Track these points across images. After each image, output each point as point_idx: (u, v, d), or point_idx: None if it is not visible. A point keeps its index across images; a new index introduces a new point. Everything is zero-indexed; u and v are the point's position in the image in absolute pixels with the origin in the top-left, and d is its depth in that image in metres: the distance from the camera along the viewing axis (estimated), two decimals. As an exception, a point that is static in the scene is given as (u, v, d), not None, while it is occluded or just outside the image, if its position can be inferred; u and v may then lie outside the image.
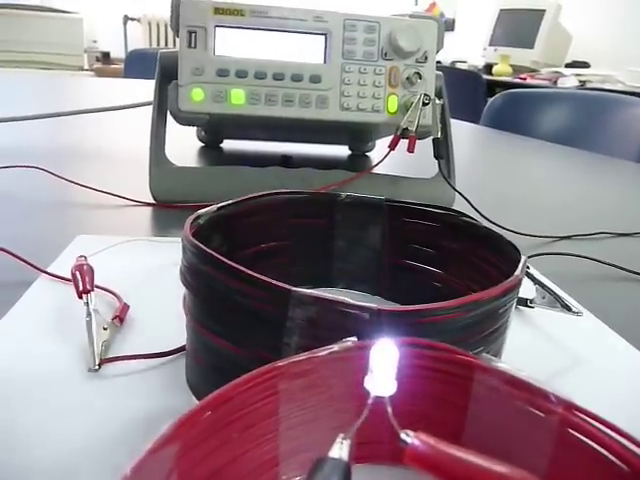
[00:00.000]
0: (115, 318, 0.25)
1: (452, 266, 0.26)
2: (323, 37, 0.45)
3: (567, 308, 0.28)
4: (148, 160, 0.44)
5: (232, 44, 0.44)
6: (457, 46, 4.00)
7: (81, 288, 0.27)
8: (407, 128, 0.44)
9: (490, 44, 3.29)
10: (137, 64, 2.21)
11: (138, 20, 3.44)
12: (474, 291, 0.24)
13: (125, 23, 3.29)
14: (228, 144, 0.70)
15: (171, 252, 0.25)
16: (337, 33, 0.45)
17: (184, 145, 0.65)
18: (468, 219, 0.25)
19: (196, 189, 0.45)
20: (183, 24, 0.43)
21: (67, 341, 0.24)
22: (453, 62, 3.59)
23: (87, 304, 0.26)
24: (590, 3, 3.09)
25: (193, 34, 0.43)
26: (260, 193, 0.26)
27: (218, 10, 0.43)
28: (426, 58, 0.46)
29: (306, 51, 0.45)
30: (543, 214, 0.54)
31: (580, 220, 0.53)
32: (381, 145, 0.67)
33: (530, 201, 0.59)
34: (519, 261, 0.20)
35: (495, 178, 0.72)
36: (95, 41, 3.17)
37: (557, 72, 2.67)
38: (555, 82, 2.67)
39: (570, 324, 0.29)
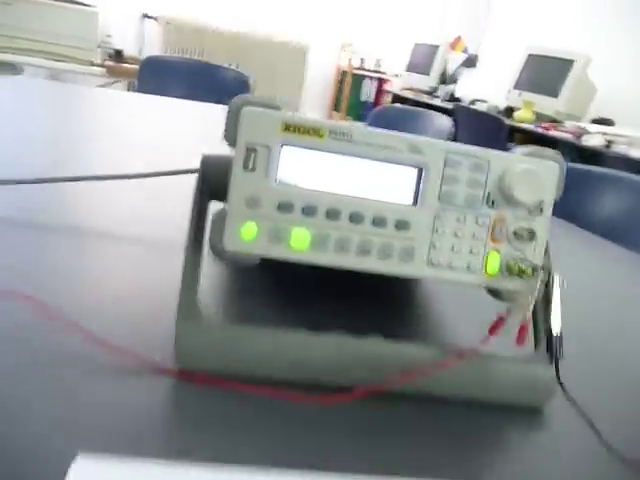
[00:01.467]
0: None
1: None
2: (416, 171, 0.35)
3: None
4: (176, 309, 0.34)
5: (300, 171, 0.34)
6: (478, 84, 3.94)
7: None
8: (519, 316, 0.34)
9: (515, 87, 3.23)
10: (152, 71, 2.11)
11: (155, 19, 3.34)
12: None
13: (142, 21, 3.18)
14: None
15: None
16: (435, 169, 0.35)
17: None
18: None
19: (239, 356, 0.34)
20: (242, 138, 0.33)
21: None
22: (473, 100, 3.52)
23: None
24: (620, 59, 3.03)
25: (253, 153, 0.33)
26: None
27: (289, 127, 0.33)
28: (541, 210, 0.36)
29: (393, 188, 0.35)
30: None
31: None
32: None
33: None
34: None
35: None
36: (109, 35, 3.06)
37: (581, 127, 2.60)
38: (579, 137, 2.60)
39: None
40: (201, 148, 0.41)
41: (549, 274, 0.34)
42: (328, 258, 0.34)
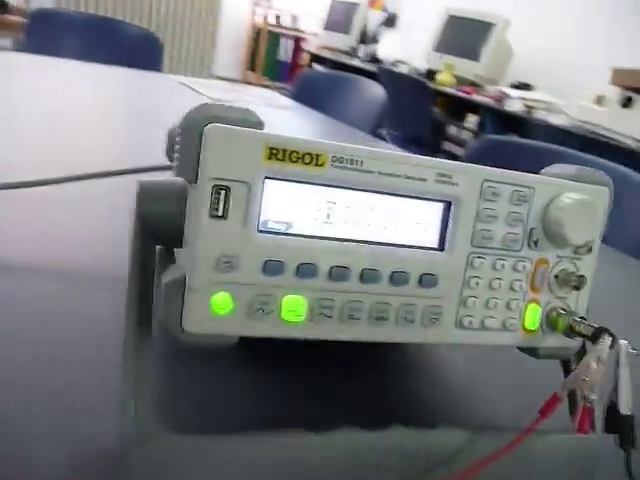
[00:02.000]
0: None
1: None
2: (442, 207, 0.26)
3: None
4: (117, 429, 0.23)
5: (293, 214, 0.24)
6: (399, 44, 3.88)
7: None
8: (579, 393, 0.26)
9: (435, 50, 3.19)
10: (43, 25, 1.85)
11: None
12: None
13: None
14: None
15: None
16: (468, 202, 0.26)
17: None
18: None
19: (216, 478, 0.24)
20: (207, 172, 0.22)
21: None
22: (395, 62, 3.46)
23: None
24: (537, 23, 3.07)
25: (224, 192, 0.23)
26: None
27: (276, 152, 0.23)
28: (590, 249, 0.29)
29: (415, 230, 0.26)
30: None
31: None
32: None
33: None
34: None
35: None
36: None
37: (503, 92, 2.62)
38: (500, 102, 2.62)
39: None
40: (114, 131, 0.29)
41: (611, 336, 0.27)
42: (331, 330, 0.25)
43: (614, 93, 2.20)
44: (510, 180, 0.27)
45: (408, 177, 0.25)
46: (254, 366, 0.32)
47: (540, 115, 2.37)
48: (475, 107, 2.75)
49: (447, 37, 3.16)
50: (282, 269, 0.24)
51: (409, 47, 3.70)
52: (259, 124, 0.23)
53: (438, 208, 0.26)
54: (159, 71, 1.69)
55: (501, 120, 2.59)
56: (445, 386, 0.36)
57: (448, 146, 2.91)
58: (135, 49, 1.86)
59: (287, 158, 0.23)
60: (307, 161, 0.23)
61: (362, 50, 3.79)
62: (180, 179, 0.24)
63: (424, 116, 2.74)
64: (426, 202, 0.26)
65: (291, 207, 0.24)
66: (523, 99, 2.50)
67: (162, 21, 4.11)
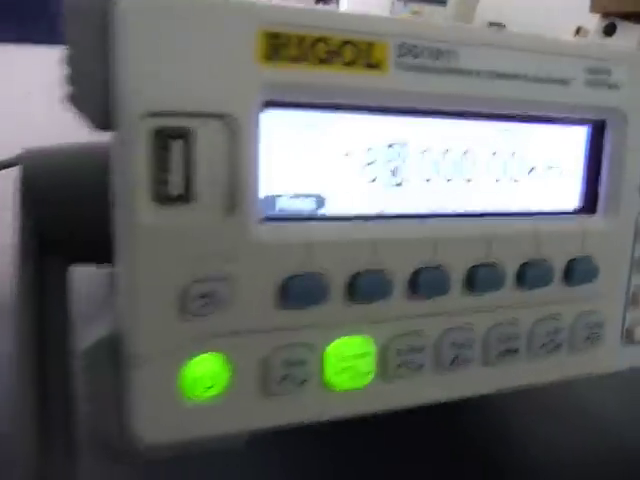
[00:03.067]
0: None
1: None
2: (589, 131, 0.14)
3: None
4: None
5: (325, 178, 0.12)
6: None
7: None
8: None
9: (399, -1, 3.03)
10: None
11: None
12: None
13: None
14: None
15: None
16: (638, 119, 0.14)
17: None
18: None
19: None
20: (134, 107, 0.10)
21: None
22: (358, 16, 3.29)
23: None
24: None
25: (178, 145, 0.10)
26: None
27: (280, 44, 0.11)
28: None
29: (546, 179, 0.14)
30: None
31: None
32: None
33: None
34: None
35: None
36: None
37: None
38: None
39: None
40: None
41: None
42: (422, 391, 0.13)
43: (595, 22, 2.08)
44: None
45: (539, 79, 0.13)
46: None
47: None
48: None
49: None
50: (321, 290, 0.12)
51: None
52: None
53: (583, 135, 0.14)
54: None
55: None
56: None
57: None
58: None
59: (307, 56, 0.11)
60: (349, 60, 0.11)
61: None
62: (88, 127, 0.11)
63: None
64: (563, 126, 0.14)
65: (324, 164, 0.12)
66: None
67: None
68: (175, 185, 0.11)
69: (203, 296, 0.11)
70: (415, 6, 2.99)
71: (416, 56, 0.11)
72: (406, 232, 0.12)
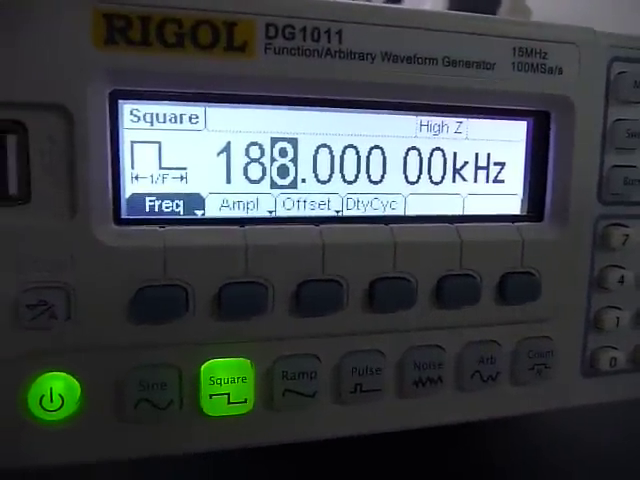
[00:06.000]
0: None
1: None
2: (530, 125, 0.12)
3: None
4: None
5: (192, 172, 0.11)
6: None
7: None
8: None
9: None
10: None
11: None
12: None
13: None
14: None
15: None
16: (585, 107, 0.12)
17: None
18: None
19: None
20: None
21: None
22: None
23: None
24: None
25: (12, 141, 0.09)
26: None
27: (122, 25, 0.09)
28: None
29: (490, 183, 0.12)
30: None
31: None
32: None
33: None
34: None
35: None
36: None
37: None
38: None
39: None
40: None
41: None
42: (319, 424, 0.11)
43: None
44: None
45: (451, 62, 0.11)
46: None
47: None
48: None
49: (457, 3, 2.96)
50: (182, 301, 0.10)
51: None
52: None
53: (522, 129, 0.12)
54: None
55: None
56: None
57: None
58: None
59: (153, 40, 0.10)
60: (205, 43, 0.10)
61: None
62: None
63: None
64: (497, 121, 0.12)
65: (196, 161, 0.11)
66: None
67: None
68: (13, 184, 0.10)
69: (34, 306, 0.09)
70: None
71: (289, 37, 0.10)
72: (292, 237, 0.11)
